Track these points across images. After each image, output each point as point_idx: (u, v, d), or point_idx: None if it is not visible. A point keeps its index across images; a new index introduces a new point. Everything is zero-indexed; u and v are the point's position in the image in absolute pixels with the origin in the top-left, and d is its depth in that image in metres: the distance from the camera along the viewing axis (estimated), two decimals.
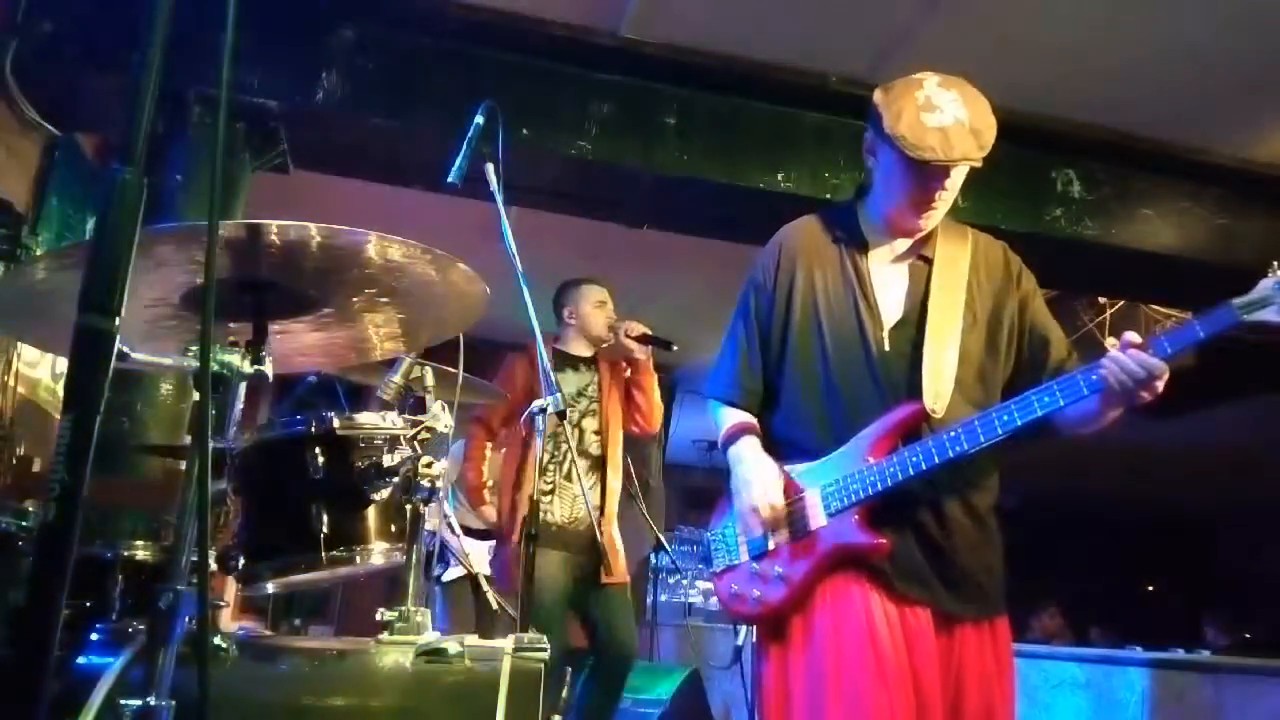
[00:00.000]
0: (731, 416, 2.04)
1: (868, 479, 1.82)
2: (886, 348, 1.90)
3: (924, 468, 1.78)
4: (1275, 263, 1.67)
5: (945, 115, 1.80)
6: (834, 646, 1.77)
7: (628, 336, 3.65)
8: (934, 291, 1.91)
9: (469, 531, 4.68)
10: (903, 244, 1.98)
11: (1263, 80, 3.71)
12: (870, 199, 2.01)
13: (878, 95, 1.90)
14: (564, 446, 3.49)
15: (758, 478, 1.92)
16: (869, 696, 1.70)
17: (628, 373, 3.75)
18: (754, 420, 2.03)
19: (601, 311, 3.75)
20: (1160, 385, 1.73)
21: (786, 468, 1.94)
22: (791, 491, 1.91)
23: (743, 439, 1.99)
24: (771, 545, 1.92)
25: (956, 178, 1.88)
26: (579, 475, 3.48)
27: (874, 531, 1.81)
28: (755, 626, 2.03)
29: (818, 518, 1.86)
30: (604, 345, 3.77)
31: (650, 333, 3.65)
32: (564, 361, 3.71)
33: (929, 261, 1.95)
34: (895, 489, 1.80)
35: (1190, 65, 3.64)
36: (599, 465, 3.61)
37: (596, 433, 3.64)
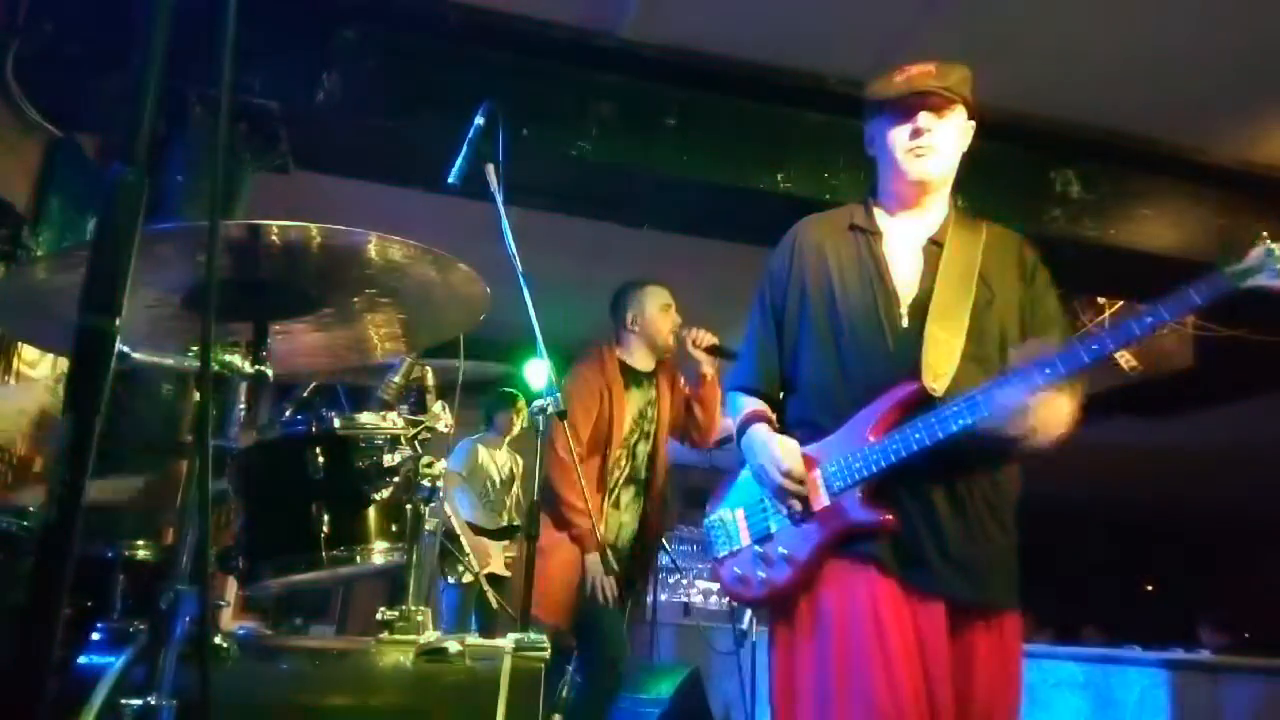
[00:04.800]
0: (745, 405, 2.07)
1: (871, 457, 1.84)
2: (904, 325, 1.93)
3: (927, 443, 1.79)
4: (1264, 233, 1.72)
5: (904, 72, 1.98)
6: (841, 634, 1.78)
7: (695, 347, 3.38)
8: (943, 270, 1.95)
9: (479, 530, 4.68)
10: (915, 229, 2.03)
11: (1262, 80, 3.71)
12: (878, 189, 2.08)
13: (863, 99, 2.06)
14: (615, 472, 3.31)
15: (773, 456, 1.93)
16: (875, 686, 1.70)
17: (686, 388, 3.49)
18: (766, 408, 2.05)
19: (667, 316, 3.46)
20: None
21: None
22: None
23: (754, 425, 2.02)
24: (774, 528, 1.93)
25: (934, 123, 1.95)
26: (624, 502, 3.35)
27: (879, 509, 1.82)
28: (762, 612, 2.05)
29: (821, 498, 1.87)
30: (667, 355, 3.48)
31: (719, 344, 3.36)
32: (629, 378, 3.40)
33: (941, 245, 1.99)
34: (900, 466, 1.82)
35: (1189, 65, 3.64)
36: (644, 490, 3.42)
37: (650, 456, 3.42)
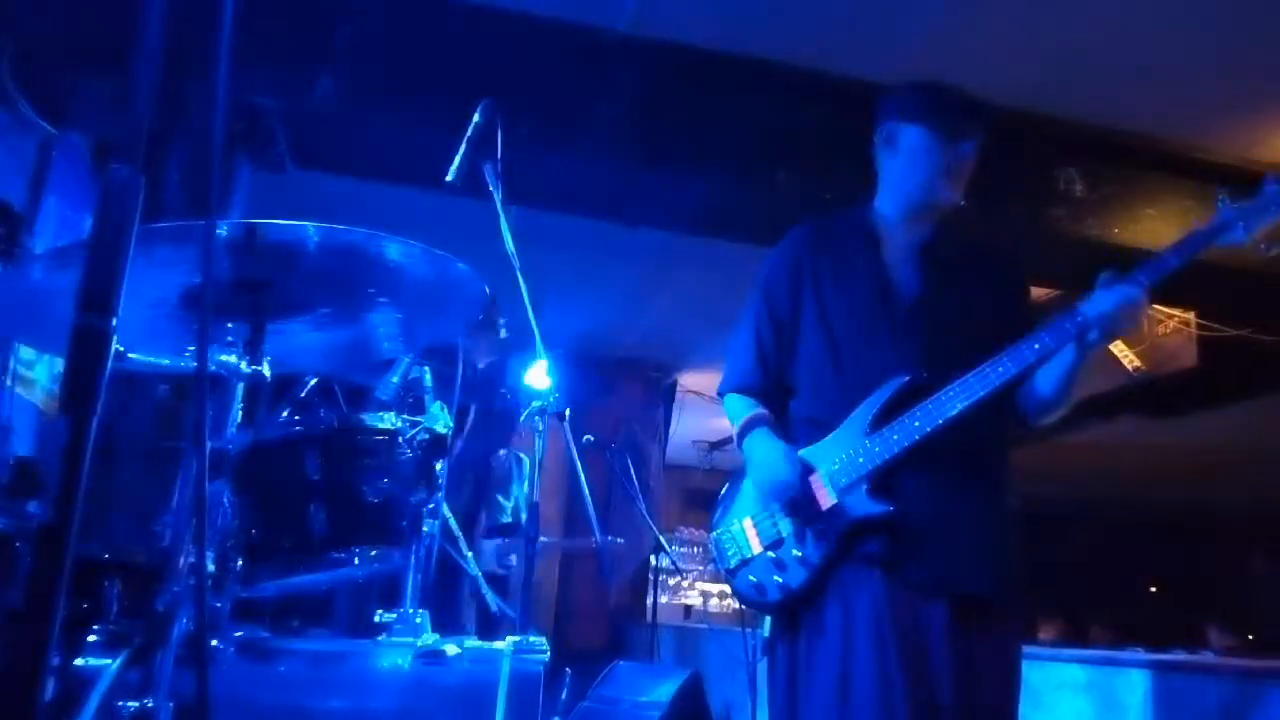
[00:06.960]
0: (746, 409, 2.08)
1: (873, 451, 1.87)
2: (902, 325, 1.97)
3: (927, 430, 1.83)
4: (1221, 191, 1.81)
5: (957, 94, 2.01)
6: (842, 644, 1.80)
7: None
8: (938, 275, 2.01)
9: None
10: (912, 235, 2.07)
11: (1264, 79, 3.70)
12: (883, 196, 2.11)
13: (890, 94, 2.07)
14: None
15: (769, 464, 1.96)
16: (876, 696, 1.71)
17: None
18: (767, 411, 2.07)
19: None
20: (1142, 316, 1.84)
21: (800, 453, 1.98)
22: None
23: (756, 430, 2.04)
24: (784, 532, 1.94)
25: (971, 153, 2.01)
26: None
27: (885, 501, 1.84)
28: (774, 618, 2.05)
29: (826, 497, 1.89)
30: None
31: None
32: None
33: (933, 250, 2.04)
34: (902, 456, 1.84)
35: (1192, 64, 3.64)
36: None
37: None
